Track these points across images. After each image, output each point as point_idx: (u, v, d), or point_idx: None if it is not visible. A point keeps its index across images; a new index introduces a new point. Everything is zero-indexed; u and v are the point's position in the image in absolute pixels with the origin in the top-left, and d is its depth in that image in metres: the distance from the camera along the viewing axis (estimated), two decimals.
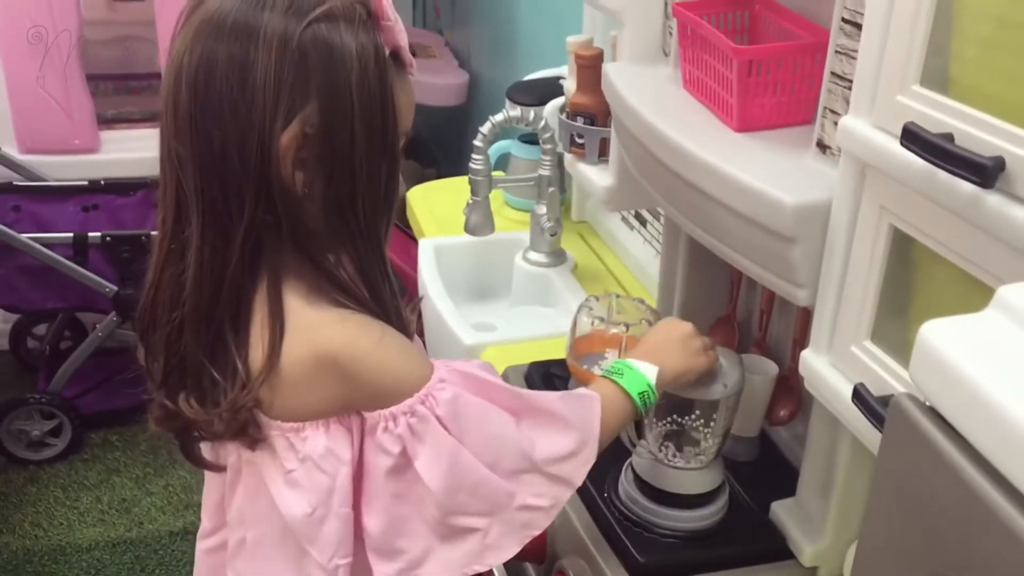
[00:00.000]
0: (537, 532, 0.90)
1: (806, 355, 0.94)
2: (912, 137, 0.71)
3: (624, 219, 1.80)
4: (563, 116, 1.44)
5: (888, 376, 0.82)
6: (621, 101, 1.15)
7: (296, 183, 0.83)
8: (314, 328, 0.84)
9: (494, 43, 2.99)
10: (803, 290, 0.92)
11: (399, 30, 0.86)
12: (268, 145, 0.81)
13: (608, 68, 1.24)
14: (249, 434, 0.86)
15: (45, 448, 2.35)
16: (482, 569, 0.90)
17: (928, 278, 0.80)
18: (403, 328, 0.90)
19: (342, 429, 0.86)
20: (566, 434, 0.91)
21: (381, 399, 0.85)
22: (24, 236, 2.14)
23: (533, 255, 1.77)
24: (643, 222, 1.73)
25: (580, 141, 1.42)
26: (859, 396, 0.81)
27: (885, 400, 0.79)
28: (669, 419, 1.07)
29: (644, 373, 0.99)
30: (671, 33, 1.20)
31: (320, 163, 0.83)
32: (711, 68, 1.05)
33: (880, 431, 0.78)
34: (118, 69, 3.14)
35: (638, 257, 1.73)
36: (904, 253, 0.81)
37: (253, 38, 0.80)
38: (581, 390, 0.96)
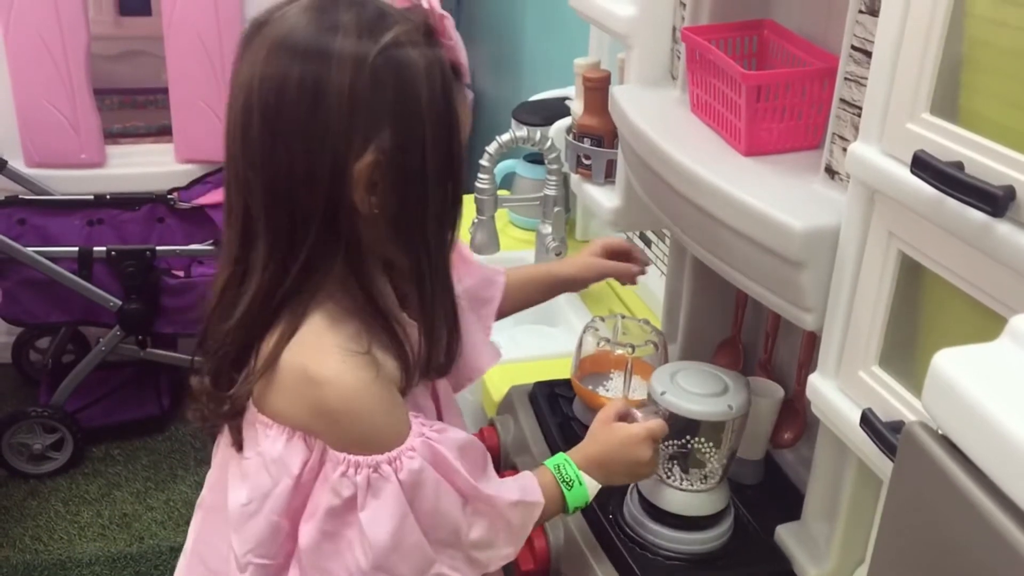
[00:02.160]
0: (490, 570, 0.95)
1: (813, 379, 0.94)
2: (922, 165, 0.71)
3: (629, 239, 1.80)
4: (570, 137, 1.45)
5: (896, 402, 0.82)
6: (629, 124, 1.16)
7: (366, 206, 0.84)
8: (320, 351, 0.85)
9: (499, 62, 3.00)
10: (811, 315, 0.92)
11: (460, 48, 0.88)
12: (342, 171, 0.82)
13: (616, 91, 1.24)
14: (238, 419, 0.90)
15: (46, 462, 2.35)
16: None
17: (937, 305, 0.81)
18: (451, 345, 0.92)
19: (302, 444, 0.86)
20: (501, 532, 0.94)
21: (350, 444, 0.85)
22: (29, 250, 2.15)
23: None
24: (648, 243, 1.73)
25: (587, 162, 1.42)
26: (867, 421, 0.81)
27: (894, 426, 0.80)
28: (675, 441, 1.08)
29: (589, 492, 1.02)
30: (679, 57, 1.21)
31: (393, 186, 0.84)
32: (719, 92, 1.06)
33: (888, 457, 0.78)
34: (125, 84, 3.16)
35: (643, 277, 1.73)
36: (913, 279, 0.81)
37: (326, 61, 0.80)
38: (532, 492, 0.97)
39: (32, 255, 2.15)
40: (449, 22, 0.87)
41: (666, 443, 1.08)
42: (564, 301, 1.71)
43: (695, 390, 1.06)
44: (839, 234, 0.88)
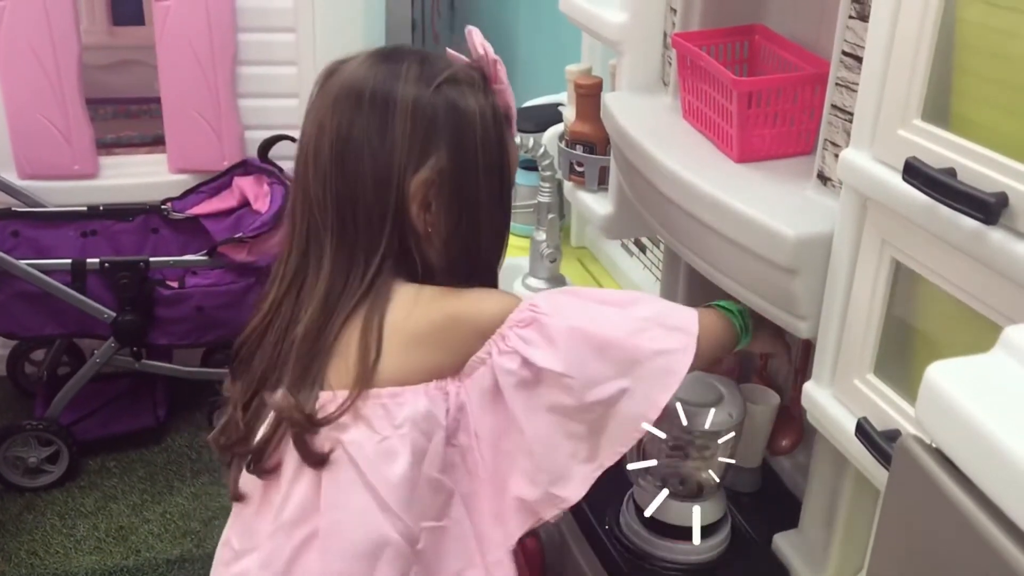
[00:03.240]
0: (679, 377, 0.91)
1: (808, 388, 0.93)
2: (914, 172, 0.71)
3: (624, 246, 1.80)
4: (562, 144, 1.44)
5: (891, 410, 0.81)
6: (621, 131, 1.15)
7: (420, 222, 0.94)
8: (434, 294, 0.94)
9: None
10: (804, 322, 0.92)
11: (509, 93, 1.00)
12: (403, 185, 0.93)
13: (607, 98, 1.24)
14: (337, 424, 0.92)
15: (42, 475, 2.33)
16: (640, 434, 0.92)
17: (931, 312, 0.80)
18: None
19: (439, 393, 0.92)
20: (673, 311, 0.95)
21: (486, 332, 0.92)
22: (22, 263, 2.14)
23: (532, 281, 1.76)
24: (643, 249, 1.72)
25: (580, 169, 1.42)
26: (863, 431, 0.80)
27: (889, 435, 0.79)
28: (671, 450, 1.07)
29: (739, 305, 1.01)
30: (670, 63, 1.21)
31: (448, 206, 0.94)
32: (711, 99, 1.06)
33: (884, 466, 0.77)
34: (118, 93, 3.15)
35: (638, 284, 1.72)
36: (906, 287, 0.81)
37: (390, 108, 0.93)
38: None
39: (25, 268, 2.13)
40: (501, 68, 0.98)
41: (662, 452, 1.07)
42: None
43: (692, 399, 1.05)
44: (832, 241, 0.87)
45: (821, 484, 1.04)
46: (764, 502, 1.20)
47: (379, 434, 0.92)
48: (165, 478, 2.37)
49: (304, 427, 0.91)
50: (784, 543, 1.10)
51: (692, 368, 0.91)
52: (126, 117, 3.17)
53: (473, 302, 0.95)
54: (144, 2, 3.51)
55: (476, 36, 1.02)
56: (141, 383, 2.56)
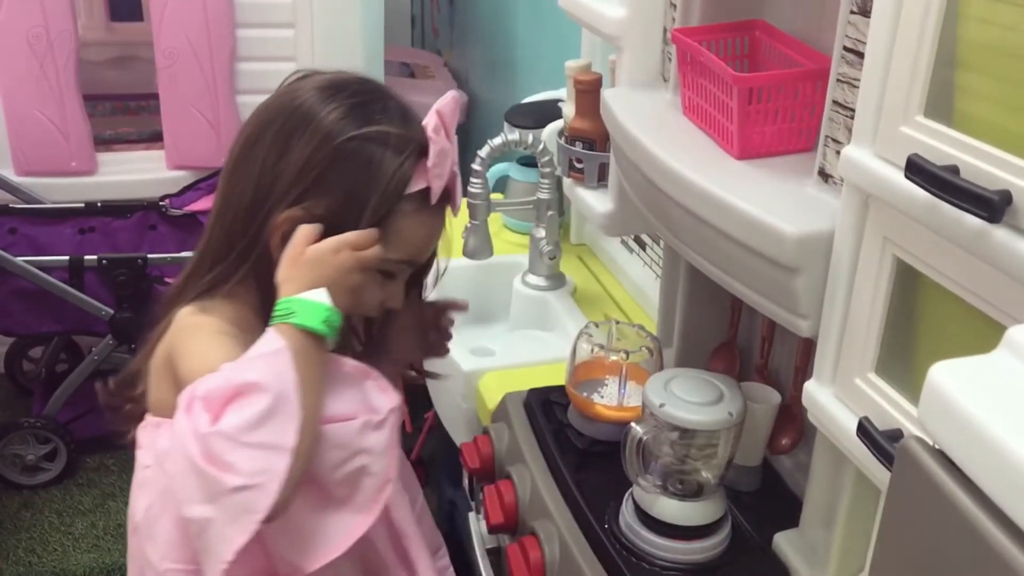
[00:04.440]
0: (260, 516, 0.82)
1: (809, 386, 0.92)
2: (916, 169, 0.70)
3: (624, 243, 1.79)
4: (562, 141, 1.43)
5: (893, 410, 0.81)
6: (620, 128, 1.15)
7: (278, 256, 0.92)
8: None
9: (492, 64, 2.99)
10: (805, 321, 0.91)
11: (451, 175, 0.97)
12: (271, 212, 0.93)
13: (607, 94, 1.23)
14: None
15: (40, 473, 2.33)
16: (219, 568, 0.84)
17: (934, 311, 0.79)
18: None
19: None
20: (257, 396, 0.84)
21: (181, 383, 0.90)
22: (20, 259, 2.13)
23: (532, 278, 1.76)
24: (643, 245, 1.72)
25: (579, 166, 1.41)
26: (864, 431, 0.80)
27: (891, 435, 0.78)
28: (670, 449, 1.06)
29: (317, 300, 0.90)
30: (670, 59, 1.20)
31: None
32: (711, 95, 1.05)
33: (886, 467, 0.76)
34: (116, 89, 3.15)
35: (637, 281, 1.72)
36: (909, 285, 0.80)
37: (299, 133, 0.93)
38: (266, 346, 0.87)
39: (22, 265, 2.13)
40: (441, 150, 0.95)
41: (661, 451, 1.06)
42: (559, 305, 1.70)
43: (691, 399, 1.05)
44: (833, 239, 0.86)
45: (821, 483, 1.03)
46: (764, 501, 1.19)
47: (142, 463, 0.96)
48: None
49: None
50: (784, 543, 1.09)
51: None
52: (124, 113, 3.16)
53: (193, 351, 0.93)
54: None
55: (439, 113, 0.97)
56: None
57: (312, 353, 0.88)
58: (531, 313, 1.75)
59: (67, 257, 2.18)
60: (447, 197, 0.99)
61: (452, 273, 1.80)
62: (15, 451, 2.30)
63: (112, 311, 2.20)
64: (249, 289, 0.97)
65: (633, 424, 1.05)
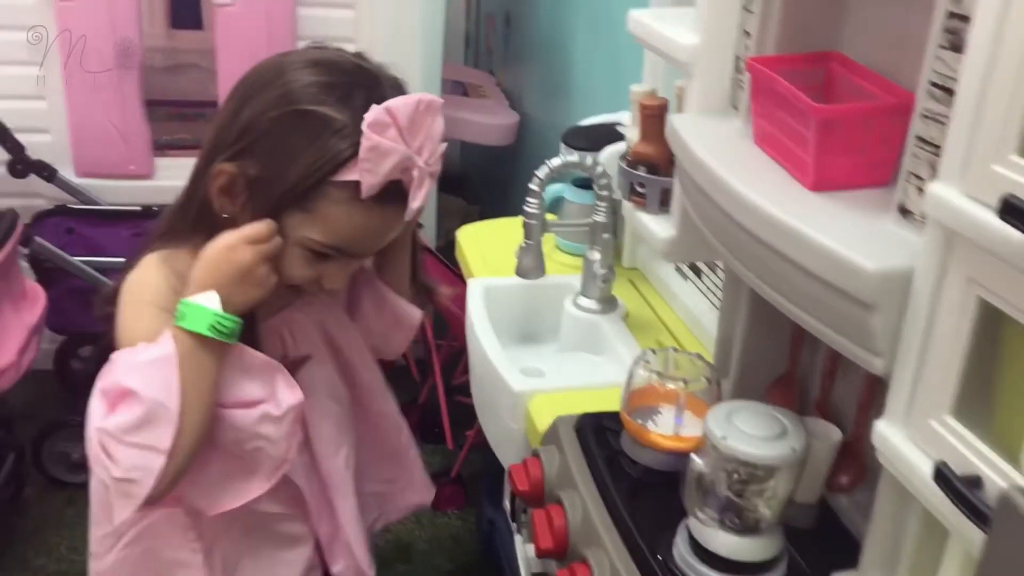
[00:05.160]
0: (137, 503, 0.97)
1: (880, 426, 0.90)
2: (1011, 210, 0.68)
3: (678, 269, 1.78)
4: (624, 164, 1.42)
5: (971, 454, 0.78)
6: (689, 154, 1.14)
7: (220, 204, 1.01)
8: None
9: (546, 85, 2.99)
10: (880, 358, 0.89)
11: (378, 172, 0.97)
12: (211, 159, 1.01)
13: (675, 120, 1.22)
14: None
15: (84, 471, 2.35)
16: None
17: (1019, 354, 0.77)
18: None
19: None
20: (136, 403, 0.95)
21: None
22: (77, 259, 2.16)
23: (584, 301, 1.75)
24: (698, 273, 1.70)
25: (641, 190, 1.40)
26: (942, 477, 0.78)
27: (970, 480, 0.76)
28: (729, 483, 1.04)
29: (205, 305, 0.98)
30: (742, 87, 1.19)
31: (251, 211, 1.01)
32: (786, 125, 1.03)
33: (965, 514, 0.74)
34: (174, 96, 3.19)
35: (691, 308, 1.70)
36: (992, 327, 0.78)
37: (271, 85, 0.99)
38: (157, 349, 0.97)
39: (79, 265, 2.16)
40: (380, 152, 0.96)
41: (720, 485, 1.04)
42: (610, 330, 1.69)
43: (754, 432, 1.03)
44: (913, 276, 0.84)
45: (885, 524, 1.01)
46: (821, 540, 1.16)
47: None
48: None
49: None
50: None
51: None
52: (180, 119, 3.20)
53: (123, 318, 1.04)
54: (202, 6, 3.56)
55: (388, 110, 0.97)
56: None
57: (201, 354, 0.97)
58: (582, 336, 1.74)
59: (123, 260, 2.20)
60: (398, 196, 1.00)
61: (503, 292, 1.81)
62: (61, 448, 2.32)
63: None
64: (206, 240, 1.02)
65: (694, 456, 1.04)
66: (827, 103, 1.09)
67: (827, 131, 0.98)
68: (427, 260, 2.42)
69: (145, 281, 1.06)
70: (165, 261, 1.06)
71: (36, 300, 1.92)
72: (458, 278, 2.21)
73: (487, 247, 2.01)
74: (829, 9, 1.12)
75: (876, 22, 1.08)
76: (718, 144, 1.13)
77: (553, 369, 1.69)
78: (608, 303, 1.74)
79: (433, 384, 2.49)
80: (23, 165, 2.36)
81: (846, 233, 0.90)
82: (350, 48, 2.67)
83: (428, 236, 2.67)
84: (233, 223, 1.01)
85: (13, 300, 1.84)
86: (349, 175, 0.97)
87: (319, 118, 0.96)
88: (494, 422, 1.64)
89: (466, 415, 2.39)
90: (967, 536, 0.75)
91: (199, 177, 1.04)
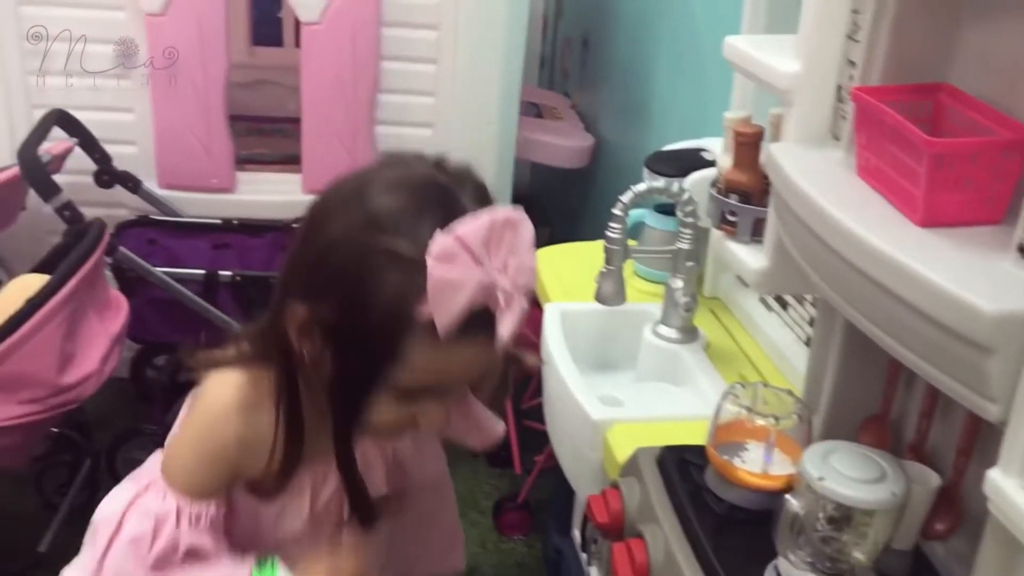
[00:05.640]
0: None
1: (993, 475, 0.86)
2: None
3: (762, 300, 1.74)
4: (715, 192, 1.40)
5: None
6: (789, 183, 1.11)
7: (299, 344, 0.91)
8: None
9: (624, 109, 2.97)
10: (995, 404, 0.85)
11: (451, 309, 0.84)
12: (286, 296, 0.92)
13: (774, 148, 1.19)
14: None
15: None
16: None
17: None
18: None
19: None
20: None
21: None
22: (159, 270, 2.20)
23: (664, 330, 1.72)
24: (784, 305, 1.66)
25: (732, 219, 1.37)
26: None
27: None
28: (825, 525, 1.01)
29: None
30: (844, 117, 1.16)
31: (331, 357, 0.90)
32: (894, 158, 1.00)
33: None
34: (252, 112, 3.24)
35: (776, 341, 1.66)
36: None
37: (352, 204, 0.87)
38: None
39: (161, 275, 2.19)
40: (447, 287, 0.83)
41: (816, 527, 1.01)
42: (691, 360, 1.65)
43: (852, 474, 0.99)
44: None
45: (988, 574, 0.96)
46: None
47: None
48: None
49: None
50: None
51: None
52: (259, 135, 3.25)
53: (183, 431, 1.04)
54: (284, 24, 3.63)
55: (460, 239, 0.84)
56: None
57: None
58: (661, 365, 1.71)
59: (203, 271, 2.23)
60: (488, 324, 0.87)
61: (580, 317, 1.79)
62: (135, 456, 2.35)
63: (240, 327, 2.24)
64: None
65: (789, 497, 1.00)
66: (935, 136, 1.06)
67: (939, 165, 0.94)
68: None
69: (220, 414, 1.00)
70: (244, 408, 0.98)
71: (119, 309, 1.96)
72: (536, 305, 2.20)
73: (564, 271, 1.99)
74: (939, 39, 1.09)
75: (989, 52, 1.04)
76: (819, 175, 1.10)
77: (631, 398, 1.66)
78: (689, 333, 1.71)
79: (502, 408, 2.47)
80: (109, 176, 2.41)
81: (960, 271, 0.86)
82: (432, 68, 2.66)
83: None
84: (316, 363, 0.92)
85: (98, 309, 1.87)
86: (428, 313, 0.85)
87: (392, 254, 0.85)
88: (569, 450, 1.62)
89: (535, 440, 2.37)
90: None
91: (279, 308, 0.93)
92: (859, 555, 1.02)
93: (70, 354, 1.71)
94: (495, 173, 2.68)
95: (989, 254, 0.90)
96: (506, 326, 0.86)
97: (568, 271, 1.98)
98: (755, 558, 1.10)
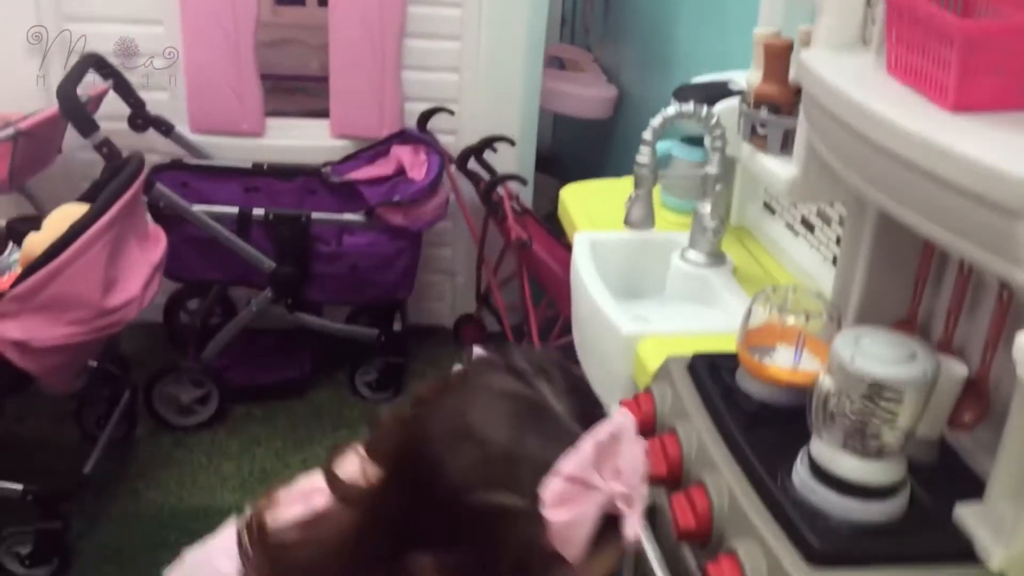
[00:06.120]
0: None
1: (1020, 340, 0.89)
2: None
3: (789, 226, 1.77)
4: (745, 106, 1.43)
5: None
6: (821, 82, 1.14)
7: None
8: None
9: (646, 60, 2.99)
10: (1023, 271, 0.88)
11: (575, 543, 0.80)
12: (414, 547, 0.84)
13: (805, 54, 1.22)
14: None
15: (191, 415, 2.44)
16: None
17: None
18: None
19: None
20: None
21: None
22: (195, 207, 2.24)
23: (692, 254, 1.75)
24: (810, 228, 1.69)
25: (762, 131, 1.40)
26: None
27: None
28: (858, 404, 1.04)
29: None
30: (873, 22, 1.18)
31: None
32: (925, 48, 1.03)
33: None
34: (276, 70, 3.29)
35: (802, 263, 1.69)
36: None
37: (442, 462, 0.82)
38: None
39: (196, 213, 2.24)
40: (571, 528, 0.79)
41: (849, 406, 1.05)
42: (719, 282, 1.69)
43: (884, 353, 1.03)
44: None
45: (1016, 452, 1.00)
46: (942, 476, 1.15)
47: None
48: (306, 429, 2.45)
49: None
50: (967, 514, 1.06)
51: None
52: (283, 92, 3.30)
53: None
54: None
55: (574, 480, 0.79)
56: (288, 340, 2.65)
57: None
58: (689, 290, 1.74)
59: (236, 209, 2.28)
60: (609, 533, 0.82)
61: (608, 245, 1.83)
62: (171, 391, 2.41)
63: (274, 264, 2.29)
64: None
65: (822, 374, 1.04)
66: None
67: (971, 50, 0.97)
68: (533, 227, 2.45)
69: None
70: None
71: (158, 240, 2.00)
72: (564, 247, 2.23)
73: (591, 205, 2.03)
74: None
75: None
76: (851, 72, 1.13)
77: (661, 318, 1.70)
78: (717, 257, 1.74)
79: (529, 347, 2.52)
80: (143, 120, 2.46)
81: (989, 145, 0.90)
82: (457, 12, 2.69)
83: None
84: None
85: (139, 238, 1.92)
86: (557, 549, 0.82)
87: (508, 508, 0.81)
88: (600, 366, 1.66)
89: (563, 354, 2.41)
90: None
91: (395, 550, 0.86)
92: (889, 436, 1.06)
93: (113, 279, 1.75)
94: (520, 119, 2.71)
95: (1018, 132, 0.93)
96: (632, 527, 0.83)
97: (595, 205, 2.02)
98: (786, 449, 1.14)
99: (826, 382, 1.04)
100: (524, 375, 0.86)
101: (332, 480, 0.89)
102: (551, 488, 0.79)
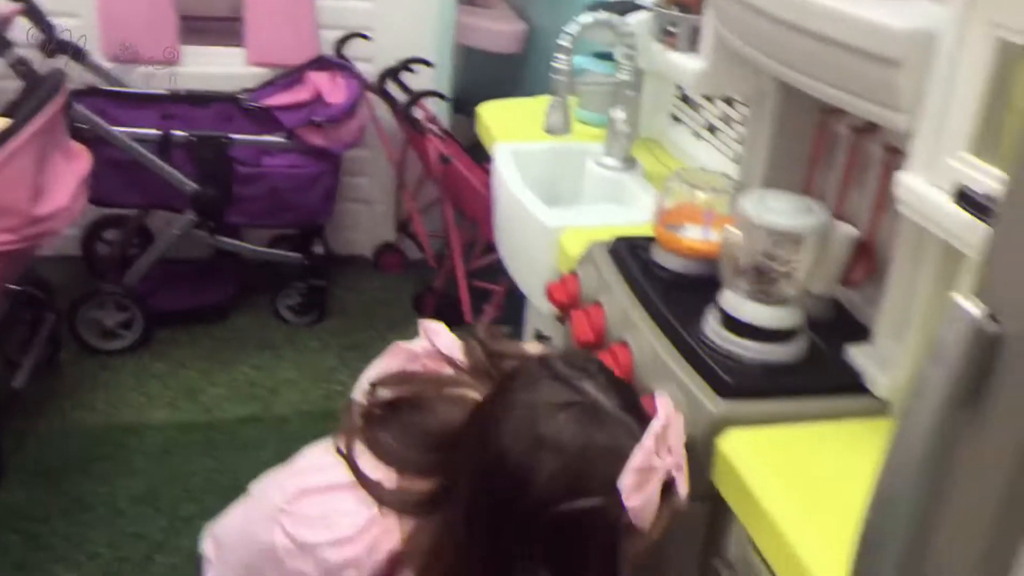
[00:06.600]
0: None
1: (903, 177, 1.02)
2: None
3: (694, 133, 1.89)
4: (657, 6, 1.53)
5: (984, 178, 0.91)
6: None
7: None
8: None
9: None
10: (902, 115, 1.01)
11: (648, 521, 0.94)
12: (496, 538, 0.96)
13: None
14: None
15: (116, 339, 2.45)
16: None
17: None
18: None
19: None
20: None
21: None
22: (116, 129, 2.25)
23: (607, 160, 1.86)
24: (713, 131, 1.82)
25: (673, 30, 1.51)
26: (965, 198, 0.89)
27: (988, 197, 0.88)
28: (761, 255, 1.16)
29: None
30: None
31: None
32: None
33: (988, 224, 0.86)
34: (183, 11, 3.25)
35: (708, 164, 1.82)
36: (1008, 66, 0.90)
37: (524, 464, 0.92)
38: None
39: (118, 134, 2.25)
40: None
41: (752, 254, 1.17)
42: (634, 184, 1.80)
43: (785, 207, 1.15)
44: (934, 36, 0.96)
45: (899, 289, 1.13)
46: (836, 327, 1.29)
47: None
48: (231, 350, 2.49)
49: None
50: (857, 353, 1.19)
51: None
52: (193, 33, 3.26)
53: None
54: None
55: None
56: (210, 266, 2.68)
57: None
58: (605, 193, 1.85)
59: (159, 132, 2.29)
60: (666, 496, 0.96)
61: (529, 155, 1.92)
62: (95, 316, 2.42)
63: (196, 186, 2.31)
64: None
65: (729, 227, 1.16)
66: None
67: None
68: (453, 148, 2.53)
69: None
70: None
71: (83, 155, 2.01)
72: (483, 170, 2.32)
73: (508, 120, 2.11)
74: None
75: None
76: None
77: (579, 214, 1.80)
78: (630, 162, 1.86)
79: (451, 269, 2.60)
80: (53, 44, 2.43)
81: (875, 5, 1.01)
82: None
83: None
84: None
85: (64, 153, 1.93)
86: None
87: (591, 511, 0.93)
88: (526, 263, 1.75)
89: (481, 301, 2.51)
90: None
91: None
92: (788, 287, 1.18)
93: (41, 188, 1.77)
94: (436, 45, 2.77)
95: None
96: (682, 487, 0.98)
97: (513, 121, 2.11)
98: (698, 309, 1.26)
99: (734, 235, 1.16)
100: (570, 381, 0.97)
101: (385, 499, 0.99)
102: (626, 482, 0.92)
